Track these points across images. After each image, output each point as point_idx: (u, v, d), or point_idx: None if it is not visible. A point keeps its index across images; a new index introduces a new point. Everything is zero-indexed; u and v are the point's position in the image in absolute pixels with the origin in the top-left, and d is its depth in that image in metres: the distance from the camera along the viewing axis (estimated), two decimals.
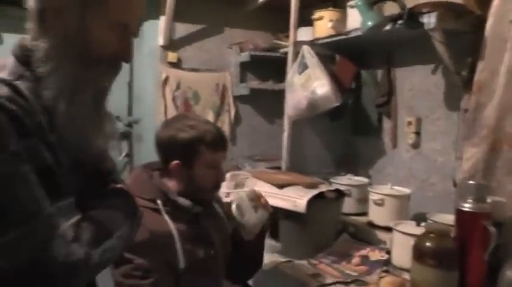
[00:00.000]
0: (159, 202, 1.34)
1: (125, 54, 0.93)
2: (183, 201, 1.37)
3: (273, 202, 1.81)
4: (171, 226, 1.32)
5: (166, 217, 1.32)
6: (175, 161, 1.37)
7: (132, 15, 0.93)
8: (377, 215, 1.92)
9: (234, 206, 1.39)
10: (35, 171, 0.77)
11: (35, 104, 0.81)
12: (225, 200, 1.58)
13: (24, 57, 0.87)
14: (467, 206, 1.40)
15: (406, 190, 1.96)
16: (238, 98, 2.89)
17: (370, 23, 1.80)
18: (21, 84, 0.82)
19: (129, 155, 2.82)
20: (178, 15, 2.63)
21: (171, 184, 1.40)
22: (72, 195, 0.83)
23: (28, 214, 0.75)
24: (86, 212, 0.86)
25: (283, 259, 1.82)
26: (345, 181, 2.15)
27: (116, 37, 0.90)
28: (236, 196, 1.44)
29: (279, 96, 2.49)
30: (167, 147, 1.39)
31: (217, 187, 1.43)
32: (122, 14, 0.90)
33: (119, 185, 1.02)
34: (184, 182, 1.39)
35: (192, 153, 1.36)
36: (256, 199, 1.44)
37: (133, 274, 1.24)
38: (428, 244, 1.37)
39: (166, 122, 1.50)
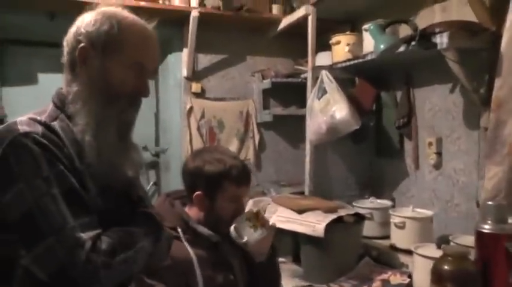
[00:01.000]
0: (179, 229, 1.38)
1: (142, 90, 1.05)
2: (203, 229, 1.41)
3: (293, 227, 1.83)
4: (191, 252, 1.35)
5: (186, 244, 1.36)
6: (199, 192, 1.41)
7: (146, 55, 1.05)
8: (399, 238, 1.89)
9: (231, 229, 1.40)
10: (62, 192, 0.90)
11: (65, 139, 0.96)
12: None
13: (60, 102, 1.03)
14: (487, 228, 1.35)
15: (428, 212, 1.92)
16: (262, 125, 2.92)
17: (382, 46, 1.81)
18: (56, 124, 0.97)
19: (157, 183, 2.90)
20: (201, 47, 2.73)
21: (192, 212, 1.45)
22: (96, 214, 0.94)
23: (55, 227, 0.87)
24: (108, 229, 0.95)
25: (304, 284, 1.82)
26: (367, 204, 2.13)
27: (134, 76, 1.03)
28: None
29: (302, 122, 2.51)
30: (193, 177, 1.44)
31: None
32: (137, 55, 1.03)
33: (146, 209, 1.11)
34: (205, 211, 1.43)
35: (216, 186, 1.41)
36: (254, 219, 1.43)
37: None
38: (446, 267, 1.34)
39: (195, 153, 1.54)
